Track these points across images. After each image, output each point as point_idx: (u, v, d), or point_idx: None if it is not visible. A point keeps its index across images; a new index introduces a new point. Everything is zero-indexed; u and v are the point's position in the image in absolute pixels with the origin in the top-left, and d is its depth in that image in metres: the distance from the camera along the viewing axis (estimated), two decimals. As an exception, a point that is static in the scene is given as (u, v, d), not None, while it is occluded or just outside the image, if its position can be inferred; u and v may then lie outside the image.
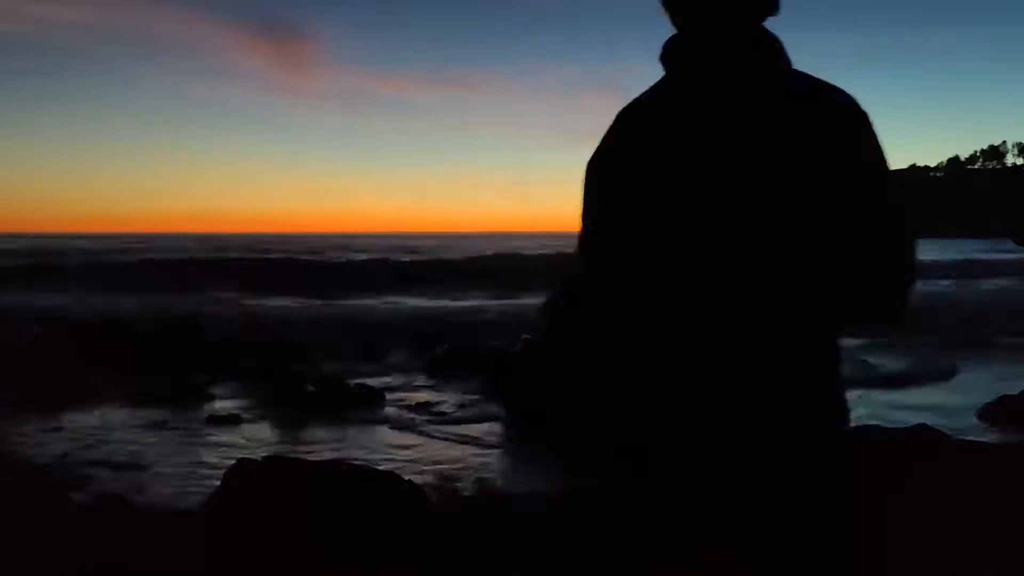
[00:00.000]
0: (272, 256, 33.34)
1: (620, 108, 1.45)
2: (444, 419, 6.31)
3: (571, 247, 1.56)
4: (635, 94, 1.51)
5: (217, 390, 7.07)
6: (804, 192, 1.20)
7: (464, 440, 5.48)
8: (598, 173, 1.40)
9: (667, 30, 1.54)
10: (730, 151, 1.24)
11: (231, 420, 6.07)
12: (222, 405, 6.68)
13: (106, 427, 5.56)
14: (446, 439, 5.52)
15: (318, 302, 17.08)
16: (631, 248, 1.30)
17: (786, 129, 1.23)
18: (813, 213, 1.19)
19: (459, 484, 4.01)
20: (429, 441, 5.41)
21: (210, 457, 4.79)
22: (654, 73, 1.56)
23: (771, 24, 1.39)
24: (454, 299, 19.52)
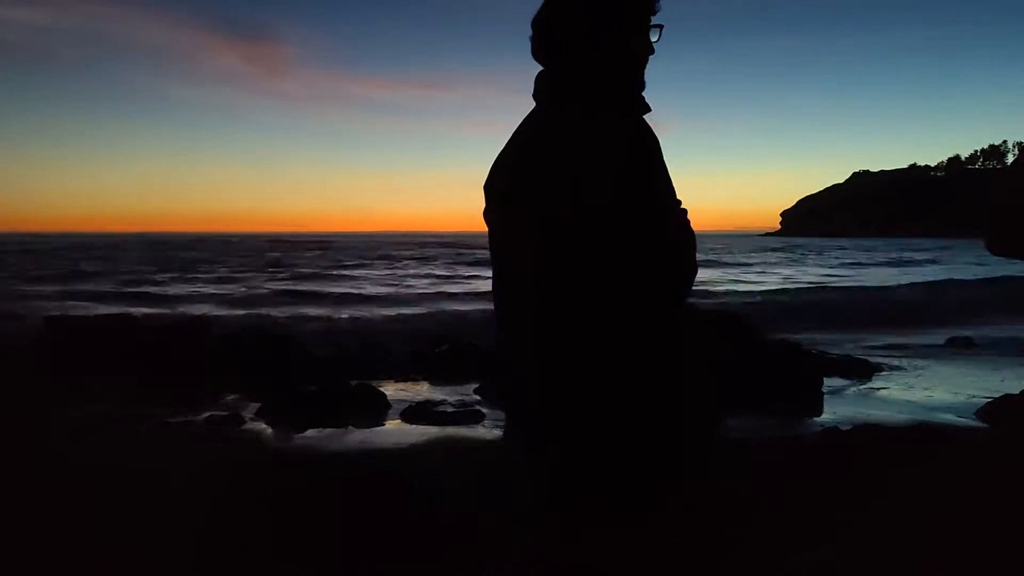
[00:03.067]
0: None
1: None
2: (445, 419, 6.31)
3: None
4: None
5: (218, 390, 7.07)
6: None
7: (465, 439, 5.48)
8: None
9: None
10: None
11: (232, 421, 6.07)
12: (223, 405, 6.68)
13: (107, 428, 5.56)
14: (447, 439, 5.52)
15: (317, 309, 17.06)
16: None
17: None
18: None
19: (461, 483, 4.01)
20: (430, 440, 5.40)
21: (212, 458, 4.79)
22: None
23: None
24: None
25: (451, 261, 39.83)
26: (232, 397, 6.86)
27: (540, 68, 1.65)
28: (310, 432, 5.58)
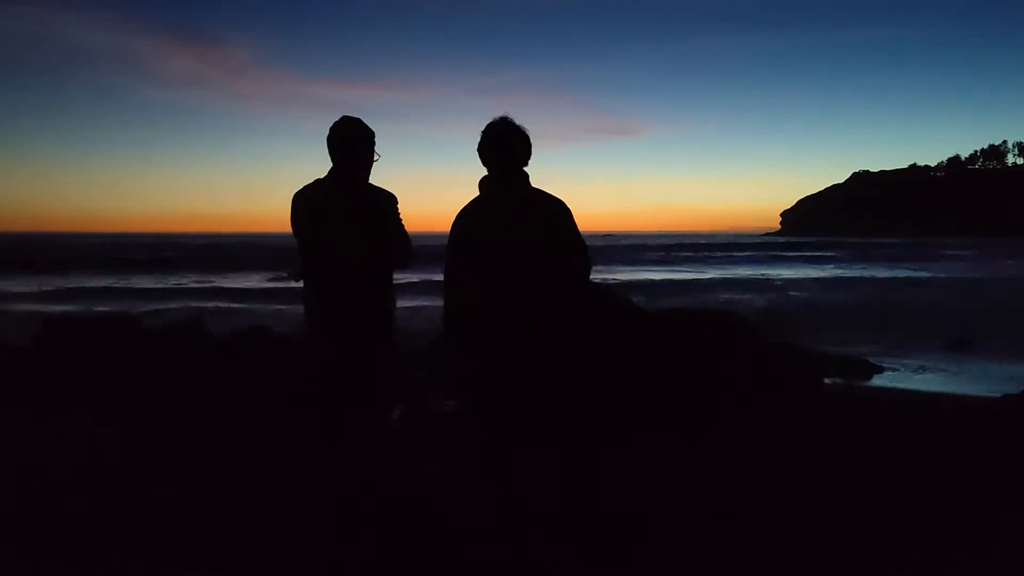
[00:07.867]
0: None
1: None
2: (445, 418, 6.30)
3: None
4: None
5: (218, 389, 7.05)
6: (539, 242, 3.13)
7: (465, 437, 5.46)
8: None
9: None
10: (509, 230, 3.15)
11: (233, 420, 6.06)
12: (223, 405, 6.66)
13: (106, 428, 5.56)
14: (447, 438, 5.51)
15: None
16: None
17: (530, 216, 3.15)
18: (546, 252, 3.14)
19: (462, 480, 4.00)
20: (431, 439, 5.39)
21: (213, 458, 4.79)
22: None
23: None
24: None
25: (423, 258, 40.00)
26: (232, 396, 6.84)
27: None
28: (310, 431, 5.56)
